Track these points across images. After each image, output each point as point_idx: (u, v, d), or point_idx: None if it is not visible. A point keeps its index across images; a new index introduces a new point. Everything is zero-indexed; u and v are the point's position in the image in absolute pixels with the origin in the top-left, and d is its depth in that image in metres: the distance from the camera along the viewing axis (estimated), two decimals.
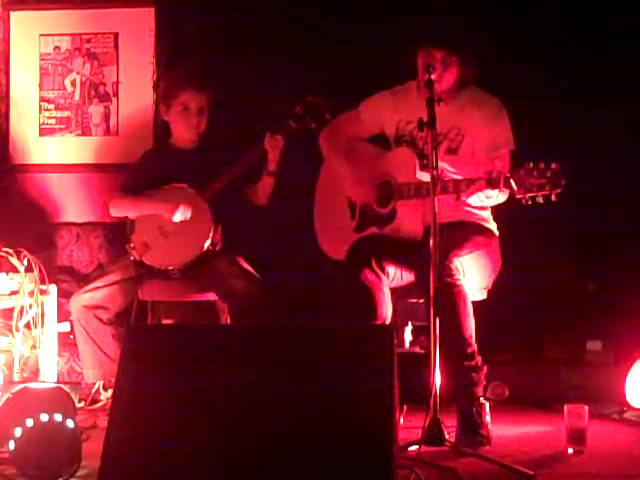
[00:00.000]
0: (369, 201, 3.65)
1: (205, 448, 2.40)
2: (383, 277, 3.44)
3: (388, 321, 3.43)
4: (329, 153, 3.84)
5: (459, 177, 3.39)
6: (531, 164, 3.01)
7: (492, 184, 3.15)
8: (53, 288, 3.86)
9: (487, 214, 3.59)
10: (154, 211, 3.86)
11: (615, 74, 4.21)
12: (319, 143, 3.85)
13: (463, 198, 3.28)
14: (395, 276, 3.50)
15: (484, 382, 3.33)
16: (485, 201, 3.31)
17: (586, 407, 3.10)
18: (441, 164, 3.18)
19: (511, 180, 3.03)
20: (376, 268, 3.42)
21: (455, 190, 3.25)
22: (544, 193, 2.99)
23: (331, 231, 3.83)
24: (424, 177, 3.34)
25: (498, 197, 3.27)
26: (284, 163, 3.86)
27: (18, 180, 4.73)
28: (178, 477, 2.40)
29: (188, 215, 3.82)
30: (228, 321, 3.83)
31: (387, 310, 3.44)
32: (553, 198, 2.99)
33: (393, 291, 3.49)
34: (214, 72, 4.41)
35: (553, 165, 2.99)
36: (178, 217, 3.82)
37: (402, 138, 3.61)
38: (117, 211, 3.99)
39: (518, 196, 3.05)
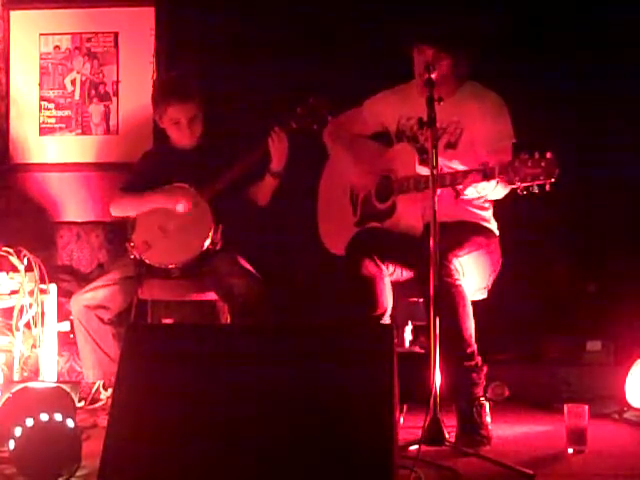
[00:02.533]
0: (371, 189, 3.66)
1: (205, 448, 2.40)
2: (383, 268, 3.45)
3: (389, 311, 3.44)
4: (334, 146, 3.85)
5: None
6: (526, 154, 3.03)
7: (487, 175, 3.16)
8: (53, 287, 3.86)
9: (488, 214, 3.59)
10: (155, 204, 3.86)
11: (615, 71, 4.21)
12: (323, 140, 3.86)
13: (462, 197, 3.28)
14: (395, 271, 3.51)
15: (484, 382, 3.33)
16: (482, 193, 3.31)
17: (586, 407, 3.10)
18: (440, 159, 3.18)
19: (507, 170, 3.04)
20: (377, 259, 3.44)
21: (452, 183, 3.26)
22: (538, 183, 3.01)
23: (333, 227, 3.84)
24: (423, 171, 3.35)
25: (496, 189, 3.27)
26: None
27: (18, 179, 4.73)
28: (178, 477, 2.40)
29: (189, 206, 3.82)
30: (228, 321, 3.83)
31: (388, 300, 3.45)
32: (547, 188, 3.01)
33: (393, 288, 3.49)
34: (214, 71, 4.42)
35: (547, 155, 3.01)
36: (181, 207, 3.82)
37: (403, 134, 3.62)
38: (118, 211, 4.00)
39: (513, 186, 3.06)
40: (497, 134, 3.45)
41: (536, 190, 3.02)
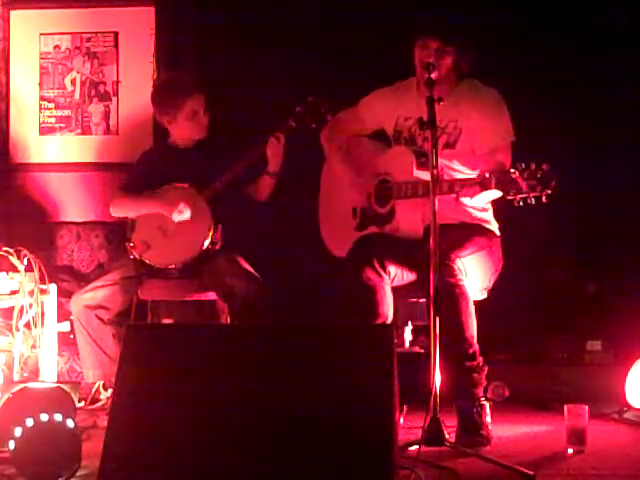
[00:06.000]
0: (366, 205, 3.66)
1: (205, 447, 2.40)
2: (385, 276, 3.44)
3: (389, 320, 3.43)
4: (330, 152, 3.84)
5: (456, 172, 3.42)
6: (522, 165, 3.01)
7: (484, 186, 3.16)
8: (53, 287, 3.86)
9: (488, 215, 3.58)
10: (154, 209, 3.86)
11: (615, 70, 4.21)
12: (320, 142, 3.85)
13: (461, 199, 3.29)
14: (396, 275, 3.49)
15: (485, 382, 3.33)
16: (478, 202, 3.30)
17: (586, 407, 3.10)
18: (439, 160, 3.17)
19: (504, 181, 3.04)
20: (378, 267, 3.42)
21: (449, 190, 3.25)
22: (534, 194, 2.99)
23: (334, 229, 3.84)
24: (421, 175, 3.35)
25: (492, 192, 3.27)
26: (285, 163, 3.88)
27: (18, 179, 4.73)
28: (178, 476, 2.40)
29: (187, 214, 3.82)
30: (228, 321, 3.83)
31: (388, 309, 3.44)
32: (544, 200, 3.00)
33: (394, 290, 3.49)
34: (214, 71, 4.42)
35: (544, 166, 2.99)
36: (177, 217, 3.82)
37: (401, 135, 3.61)
38: (117, 211, 4.00)
39: (509, 197, 3.05)
40: (496, 133, 3.44)
41: (532, 202, 3.00)
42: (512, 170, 3.01)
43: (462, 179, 3.31)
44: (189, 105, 3.90)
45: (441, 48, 3.39)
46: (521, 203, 3.02)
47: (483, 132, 3.45)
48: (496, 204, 3.52)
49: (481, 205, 3.43)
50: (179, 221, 3.83)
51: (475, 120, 3.46)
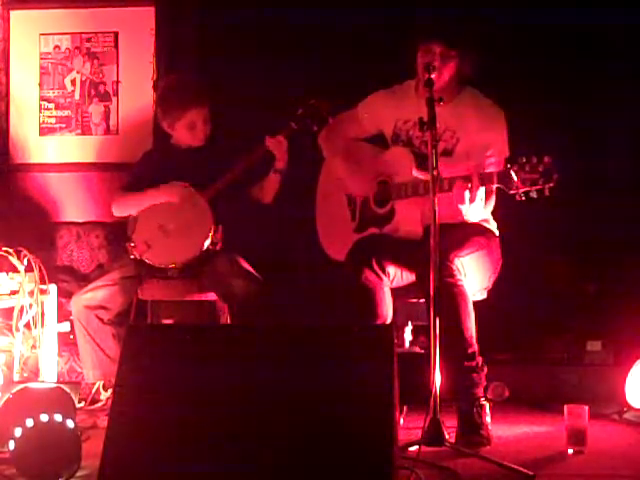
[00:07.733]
0: (369, 195, 3.65)
1: (205, 448, 2.40)
2: (384, 277, 3.44)
3: (388, 321, 3.43)
4: (328, 153, 3.85)
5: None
6: (524, 159, 3.01)
7: (484, 180, 3.16)
8: (53, 288, 3.86)
9: (487, 214, 3.58)
10: (157, 198, 3.86)
11: (615, 72, 4.21)
12: (318, 143, 3.85)
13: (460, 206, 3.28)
14: (395, 276, 3.50)
15: (484, 383, 3.33)
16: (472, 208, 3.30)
17: (586, 407, 3.10)
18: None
19: (510, 172, 3.03)
20: (377, 268, 3.42)
21: (450, 188, 3.25)
22: (537, 188, 2.99)
23: (332, 232, 3.83)
24: (421, 176, 3.35)
25: (488, 205, 3.26)
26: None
27: (18, 179, 4.73)
28: (178, 477, 2.40)
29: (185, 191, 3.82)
30: (228, 321, 3.83)
31: (387, 310, 3.44)
32: (546, 193, 2.99)
33: (393, 291, 3.49)
34: (214, 71, 4.42)
35: (546, 159, 2.99)
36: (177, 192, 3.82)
37: (399, 137, 3.61)
38: (120, 210, 4.00)
39: (511, 192, 3.05)
40: (490, 148, 3.42)
41: (535, 195, 3.00)
42: (513, 164, 3.01)
43: (463, 175, 3.29)
44: (188, 117, 3.90)
45: (445, 52, 3.38)
46: (523, 197, 3.02)
47: (478, 145, 3.43)
48: (496, 203, 3.52)
49: (480, 208, 3.42)
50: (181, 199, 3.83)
51: (474, 133, 3.45)
